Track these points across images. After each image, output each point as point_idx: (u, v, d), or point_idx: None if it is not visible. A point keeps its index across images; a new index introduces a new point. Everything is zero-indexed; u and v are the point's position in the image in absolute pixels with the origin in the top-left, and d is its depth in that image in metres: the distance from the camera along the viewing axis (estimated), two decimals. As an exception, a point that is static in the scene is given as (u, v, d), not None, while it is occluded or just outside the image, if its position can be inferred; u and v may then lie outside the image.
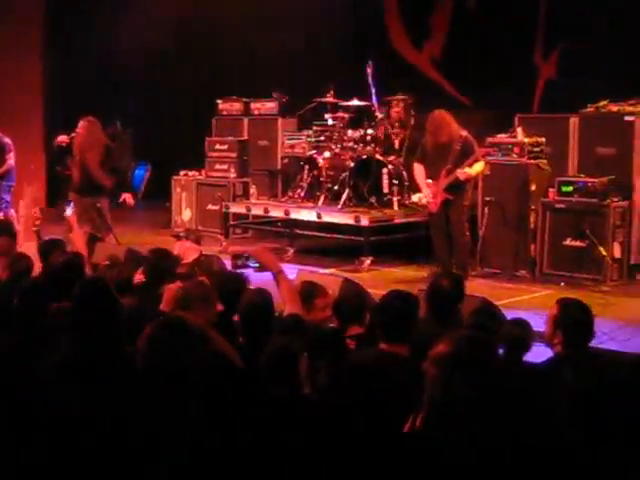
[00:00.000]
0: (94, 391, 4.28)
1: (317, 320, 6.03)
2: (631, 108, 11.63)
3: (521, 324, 5.71)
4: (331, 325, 6.15)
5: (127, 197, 11.95)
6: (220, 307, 5.78)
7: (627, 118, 11.52)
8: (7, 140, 14.07)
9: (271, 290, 6.02)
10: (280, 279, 6.06)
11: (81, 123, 11.76)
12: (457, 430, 3.58)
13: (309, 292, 6.29)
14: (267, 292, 5.91)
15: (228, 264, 9.66)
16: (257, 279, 7.29)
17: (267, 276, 6.45)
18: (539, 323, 7.68)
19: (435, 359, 3.72)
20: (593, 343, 5.57)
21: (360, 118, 13.62)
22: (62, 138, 11.88)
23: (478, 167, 11.02)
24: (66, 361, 4.60)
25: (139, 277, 7.00)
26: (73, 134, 11.76)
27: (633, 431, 3.03)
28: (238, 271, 7.26)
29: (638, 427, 3.07)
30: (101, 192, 11.64)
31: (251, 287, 6.65)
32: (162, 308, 5.92)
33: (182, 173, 15.79)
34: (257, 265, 7.38)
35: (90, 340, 4.61)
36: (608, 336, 7.97)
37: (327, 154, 13.36)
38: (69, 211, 9.27)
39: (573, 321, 5.33)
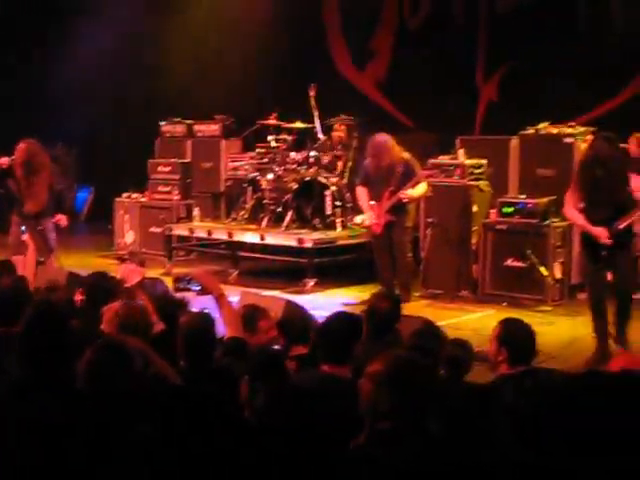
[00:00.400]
0: (42, 413, 4.25)
1: (261, 342, 6.01)
2: (570, 130, 11.80)
3: (462, 344, 5.75)
4: (276, 347, 6.15)
5: (62, 219, 11.79)
6: (160, 326, 5.77)
7: (566, 140, 11.69)
8: None
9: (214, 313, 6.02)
10: (221, 302, 6.05)
11: (20, 145, 11.65)
12: (395, 447, 3.61)
13: (252, 315, 6.27)
14: (208, 315, 5.89)
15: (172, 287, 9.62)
16: (200, 302, 7.25)
17: (210, 300, 6.43)
18: (481, 343, 7.80)
19: (370, 376, 3.78)
20: (535, 362, 5.61)
21: (303, 140, 13.65)
22: (2, 160, 11.76)
23: (421, 189, 11.08)
24: (15, 386, 4.55)
25: (79, 297, 6.95)
26: (13, 156, 11.65)
27: (572, 446, 3.06)
28: (179, 294, 7.19)
29: (577, 442, 3.10)
30: (44, 214, 11.54)
31: (192, 310, 6.63)
32: (103, 328, 5.89)
33: (125, 195, 15.70)
34: (199, 288, 7.35)
35: (40, 364, 4.55)
36: (549, 355, 8.03)
37: (270, 176, 13.35)
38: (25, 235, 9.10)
39: (516, 339, 5.37)
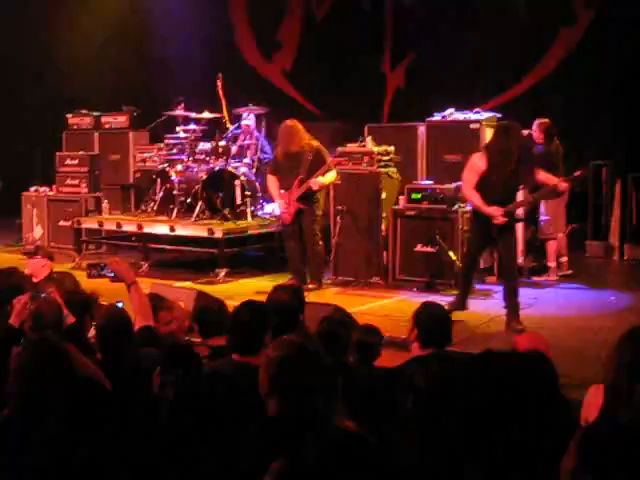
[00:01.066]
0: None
1: (166, 332, 6.01)
2: (476, 116, 11.94)
3: (371, 330, 5.82)
4: (191, 338, 6.16)
5: None
6: (71, 319, 5.74)
7: (472, 126, 11.82)
8: None
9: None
10: (133, 291, 6.02)
11: None
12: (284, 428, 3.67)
13: (153, 306, 6.24)
14: (123, 309, 5.89)
15: (82, 281, 9.56)
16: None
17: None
18: (392, 328, 7.89)
19: (265, 362, 3.83)
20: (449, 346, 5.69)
21: (212, 130, 13.61)
22: None
23: (331, 176, 11.13)
24: None
25: None
26: None
27: (474, 427, 3.12)
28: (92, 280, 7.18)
29: (479, 422, 3.17)
30: None
31: (104, 304, 6.60)
32: (12, 321, 5.84)
33: (32, 189, 15.49)
34: (112, 275, 7.32)
35: None
36: (458, 337, 8.13)
37: (179, 167, 13.30)
38: None
39: (428, 321, 5.44)
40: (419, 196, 11.31)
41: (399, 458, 3.96)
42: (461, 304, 9.52)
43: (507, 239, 9.19)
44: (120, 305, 6.23)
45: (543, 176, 9.34)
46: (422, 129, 12.27)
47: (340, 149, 11.87)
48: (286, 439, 3.50)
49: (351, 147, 11.93)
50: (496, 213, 8.92)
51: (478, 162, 9.16)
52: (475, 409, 2.99)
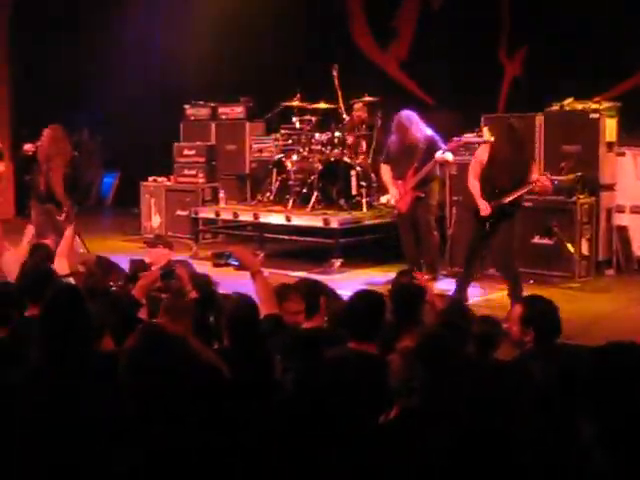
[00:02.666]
0: (64, 401, 4.28)
1: (289, 323, 6.03)
2: (596, 105, 11.75)
3: (490, 322, 5.76)
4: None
5: None
6: (194, 294, 5.90)
7: (592, 115, 11.64)
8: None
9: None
10: (257, 279, 6.02)
11: (46, 131, 11.73)
12: (424, 423, 3.64)
13: (281, 293, 6.27)
14: (251, 298, 5.96)
15: (198, 269, 9.69)
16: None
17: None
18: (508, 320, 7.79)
19: (400, 352, 3.82)
20: (562, 339, 5.62)
21: (327, 121, 13.64)
22: (28, 147, 11.84)
23: (450, 155, 11.02)
24: (35, 372, 4.57)
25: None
26: (39, 142, 11.72)
27: (603, 421, 3.09)
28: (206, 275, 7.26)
29: (607, 414, 3.13)
30: (60, 199, 11.59)
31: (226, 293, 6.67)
32: (135, 293, 6.00)
33: (151, 179, 15.77)
34: (237, 264, 7.41)
35: (57, 347, 4.56)
36: (577, 331, 8.03)
37: (295, 157, 13.38)
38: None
39: (541, 319, 5.38)
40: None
41: (519, 453, 3.92)
42: (462, 295, 9.59)
43: (501, 228, 9.41)
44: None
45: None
46: (540, 119, 12.11)
47: (456, 139, 11.77)
48: (423, 436, 3.50)
49: (467, 137, 11.82)
50: (483, 206, 9.33)
51: (482, 154, 9.55)
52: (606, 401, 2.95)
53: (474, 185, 9.55)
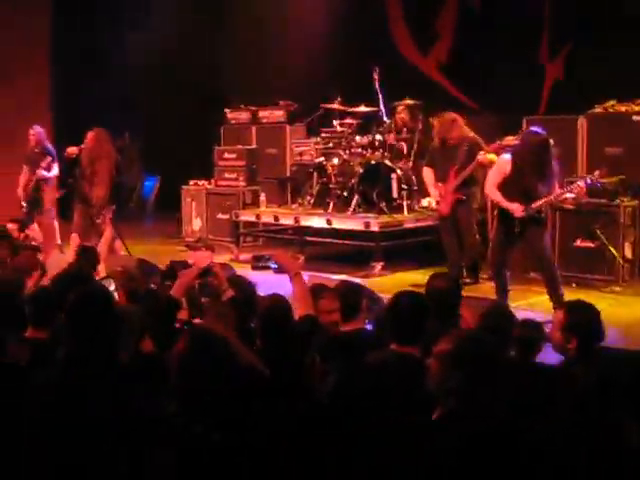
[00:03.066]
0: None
1: (325, 323, 6.01)
2: (639, 108, 11.62)
3: (533, 325, 5.70)
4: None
5: None
6: (230, 293, 5.93)
7: (635, 118, 11.54)
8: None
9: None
10: (295, 281, 6.00)
11: (90, 134, 11.81)
12: (463, 425, 3.63)
13: (315, 292, 6.25)
14: (285, 298, 5.96)
15: (240, 272, 9.71)
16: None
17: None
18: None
19: (437, 356, 3.80)
20: (605, 343, 5.55)
21: (368, 124, 13.63)
22: (72, 149, 11.92)
23: (493, 156, 10.96)
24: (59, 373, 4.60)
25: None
26: (82, 145, 11.80)
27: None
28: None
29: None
30: (104, 202, 11.67)
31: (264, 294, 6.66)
32: (174, 292, 6.03)
33: (192, 183, 15.82)
34: (276, 266, 7.41)
35: (84, 349, 4.58)
36: (620, 335, 7.96)
37: (336, 160, 13.37)
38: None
39: (584, 324, 5.31)
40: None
41: (560, 456, 3.89)
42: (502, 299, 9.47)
43: (533, 233, 9.32)
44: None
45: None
46: (582, 121, 12.02)
47: (498, 142, 11.71)
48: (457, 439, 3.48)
49: (509, 140, 11.74)
50: (516, 209, 9.21)
51: (504, 165, 9.42)
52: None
53: (493, 191, 9.52)
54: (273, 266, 8.41)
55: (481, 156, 10.72)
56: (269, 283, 7.81)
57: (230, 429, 3.95)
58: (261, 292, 6.61)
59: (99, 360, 4.45)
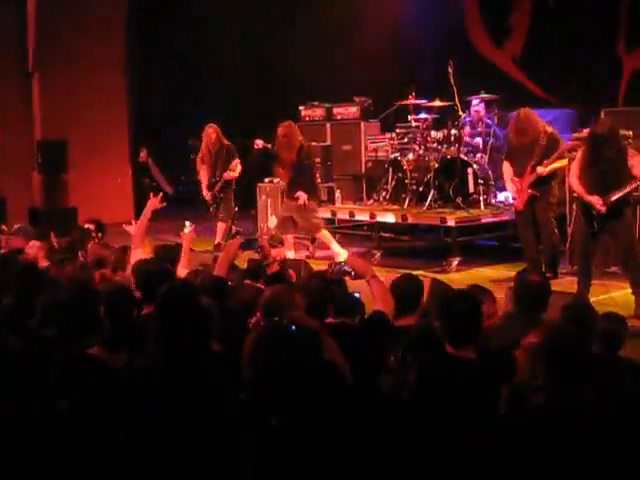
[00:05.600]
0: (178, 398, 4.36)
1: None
2: None
3: (616, 319, 5.63)
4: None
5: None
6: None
7: None
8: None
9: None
10: (372, 282, 6.06)
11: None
12: (549, 420, 3.60)
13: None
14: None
15: (316, 269, 9.76)
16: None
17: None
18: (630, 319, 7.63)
19: (525, 349, 3.78)
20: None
21: (443, 118, 13.57)
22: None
23: (556, 165, 10.87)
24: (151, 366, 4.65)
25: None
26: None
27: None
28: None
29: None
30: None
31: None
32: (217, 270, 6.08)
33: (267, 180, 15.86)
34: (352, 272, 7.44)
35: (173, 344, 4.62)
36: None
37: (411, 156, 13.34)
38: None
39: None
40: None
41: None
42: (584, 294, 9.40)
43: (617, 225, 9.31)
44: (357, 295, 6.29)
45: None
46: (661, 112, 11.83)
47: (575, 135, 11.60)
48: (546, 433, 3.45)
49: (587, 133, 11.60)
50: (596, 202, 9.18)
51: (579, 154, 9.54)
52: None
53: (576, 184, 9.52)
54: (348, 270, 8.40)
55: (540, 169, 10.68)
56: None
57: (307, 425, 3.96)
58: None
59: (194, 348, 4.52)
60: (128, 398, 4.48)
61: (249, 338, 4.37)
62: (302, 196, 12.10)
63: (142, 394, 4.46)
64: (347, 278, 7.44)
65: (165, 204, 8.88)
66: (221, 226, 14.15)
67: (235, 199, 14.45)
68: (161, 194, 8.84)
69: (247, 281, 7.14)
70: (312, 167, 12.61)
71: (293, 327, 4.45)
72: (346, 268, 10.25)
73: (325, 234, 12.39)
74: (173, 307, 4.67)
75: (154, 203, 8.63)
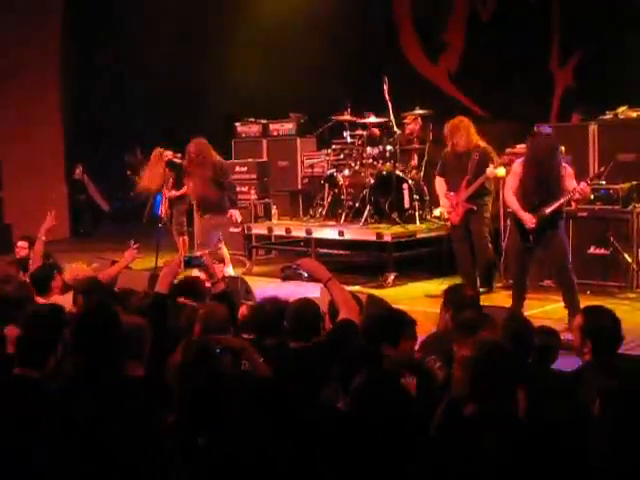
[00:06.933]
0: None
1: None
2: (650, 113, 11.59)
3: (550, 333, 5.68)
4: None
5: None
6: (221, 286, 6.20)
7: (646, 124, 11.47)
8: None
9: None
10: (331, 286, 5.89)
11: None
12: (480, 431, 3.62)
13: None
14: (312, 300, 5.97)
15: (253, 285, 9.74)
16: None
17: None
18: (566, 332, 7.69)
19: (460, 361, 3.81)
20: (621, 349, 5.53)
21: (378, 134, 13.59)
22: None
23: (501, 171, 10.93)
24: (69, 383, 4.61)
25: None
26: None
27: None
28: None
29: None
30: None
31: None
32: (159, 286, 6.07)
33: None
34: (307, 275, 7.40)
35: (90, 360, 4.59)
36: (635, 342, 7.92)
37: (347, 172, 13.36)
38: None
39: (600, 328, 5.28)
40: (592, 197, 11.01)
41: (591, 461, 3.87)
42: (518, 308, 9.40)
43: (551, 239, 9.40)
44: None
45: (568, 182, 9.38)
46: (593, 128, 11.97)
47: (509, 150, 11.69)
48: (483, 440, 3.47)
49: (520, 148, 11.70)
50: (528, 220, 9.31)
51: (517, 168, 9.58)
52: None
53: (512, 200, 9.57)
54: (304, 274, 8.36)
55: (489, 170, 10.73)
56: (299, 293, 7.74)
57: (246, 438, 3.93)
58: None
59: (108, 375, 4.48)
60: (45, 416, 4.43)
61: (172, 359, 4.34)
62: (234, 213, 12.05)
63: (58, 414, 4.41)
64: (300, 281, 7.45)
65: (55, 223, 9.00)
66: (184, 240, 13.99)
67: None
68: (54, 213, 8.91)
69: (181, 299, 7.07)
70: (233, 184, 12.46)
71: (218, 350, 4.45)
72: (300, 271, 10.22)
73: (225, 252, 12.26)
74: (86, 331, 4.65)
75: (49, 221, 8.70)
